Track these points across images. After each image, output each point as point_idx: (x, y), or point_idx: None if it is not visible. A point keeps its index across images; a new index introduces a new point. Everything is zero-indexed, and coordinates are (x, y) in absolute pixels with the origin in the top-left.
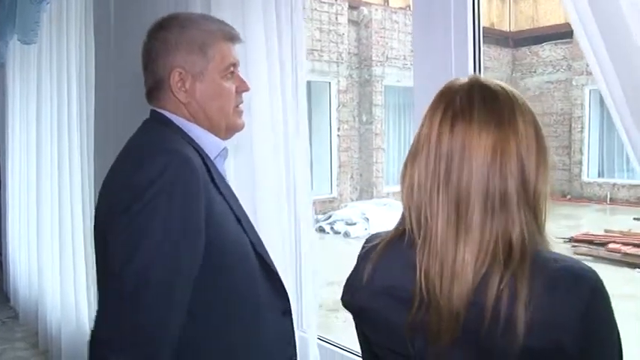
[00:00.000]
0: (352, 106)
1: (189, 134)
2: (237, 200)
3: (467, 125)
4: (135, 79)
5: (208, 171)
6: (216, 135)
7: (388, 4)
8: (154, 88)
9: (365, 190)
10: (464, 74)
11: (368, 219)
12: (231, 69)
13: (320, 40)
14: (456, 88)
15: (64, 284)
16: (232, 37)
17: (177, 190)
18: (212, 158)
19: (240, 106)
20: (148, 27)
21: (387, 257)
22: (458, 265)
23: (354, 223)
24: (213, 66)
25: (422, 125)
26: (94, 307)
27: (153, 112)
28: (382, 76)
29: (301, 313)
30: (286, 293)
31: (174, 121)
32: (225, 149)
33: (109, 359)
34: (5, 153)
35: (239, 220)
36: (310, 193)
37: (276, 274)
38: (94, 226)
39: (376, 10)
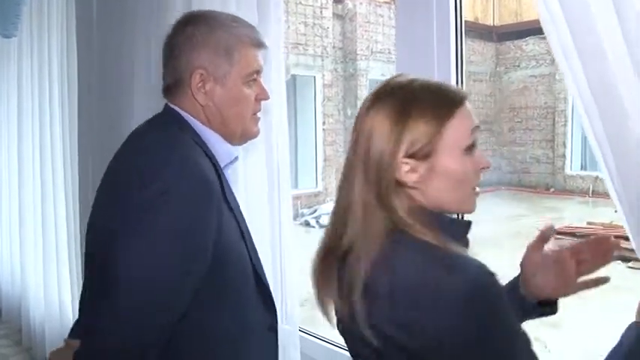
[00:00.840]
0: (337, 99)
1: (204, 139)
2: (242, 213)
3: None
4: (119, 75)
5: (220, 183)
6: (229, 141)
7: None
8: (173, 86)
9: None
10: (446, 68)
11: None
12: (254, 76)
13: (305, 34)
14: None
15: (47, 280)
16: (259, 43)
17: (188, 204)
18: (222, 166)
19: (258, 114)
20: (131, 22)
21: None
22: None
23: None
24: (236, 71)
25: None
26: (77, 303)
27: (168, 108)
28: (367, 69)
29: (284, 307)
30: (275, 309)
31: (189, 122)
32: (236, 158)
33: (100, 347)
34: None
35: (243, 236)
36: (290, 188)
37: (269, 290)
38: (91, 219)
39: (361, 3)
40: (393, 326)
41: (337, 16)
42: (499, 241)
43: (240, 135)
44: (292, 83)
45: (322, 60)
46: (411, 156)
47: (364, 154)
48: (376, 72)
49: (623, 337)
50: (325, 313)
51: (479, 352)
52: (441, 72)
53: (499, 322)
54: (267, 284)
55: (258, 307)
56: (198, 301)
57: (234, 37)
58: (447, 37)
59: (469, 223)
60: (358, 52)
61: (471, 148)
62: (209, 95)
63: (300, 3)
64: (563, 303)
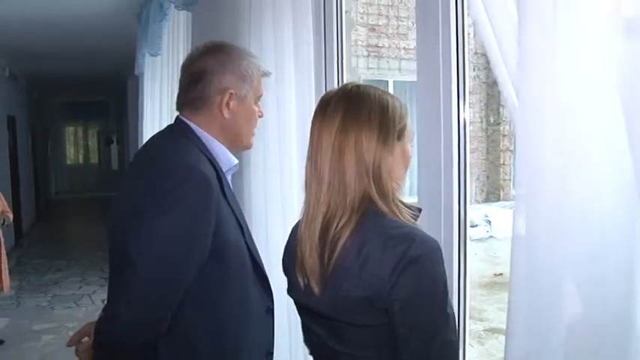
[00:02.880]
0: (479, 107)
1: (208, 147)
2: (241, 210)
3: (320, 121)
4: None
5: (220, 184)
6: (232, 149)
7: None
8: (196, 102)
9: (492, 193)
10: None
11: (490, 221)
12: (260, 98)
13: None
14: (324, 98)
15: None
16: (266, 73)
17: (192, 200)
18: (224, 171)
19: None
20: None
21: (296, 226)
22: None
23: (475, 225)
24: (252, 94)
25: None
26: None
27: (179, 120)
28: None
29: None
30: (272, 294)
31: (197, 133)
32: (236, 165)
33: (114, 339)
34: None
35: (241, 228)
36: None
37: (266, 276)
38: (113, 223)
39: None
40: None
41: None
42: None
43: (245, 145)
44: None
45: None
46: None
47: (357, 140)
48: None
49: None
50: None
51: (411, 314)
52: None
53: (434, 285)
54: (264, 270)
55: (256, 290)
56: (204, 284)
57: (253, 65)
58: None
59: (419, 209)
60: None
61: None
62: (232, 111)
63: None
64: None
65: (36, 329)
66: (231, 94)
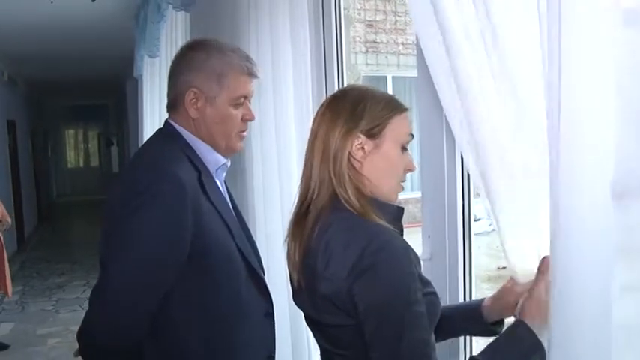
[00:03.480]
0: None
1: (193, 148)
2: (229, 209)
3: (314, 117)
4: None
5: (201, 184)
6: (216, 151)
7: None
8: (173, 102)
9: None
10: None
11: None
12: (242, 99)
13: None
14: None
15: None
16: (250, 72)
17: (163, 203)
18: (213, 171)
19: (244, 132)
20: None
21: None
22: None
23: (478, 219)
24: (225, 94)
25: None
26: None
27: (166, 123)
28: None
29: None
30: (270, 296)
31: (182, 135)
32: (224, 164)
33: (93, 344)
34: None
35: (228, 228)
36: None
37: (262, 278)
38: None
39: None
40: (319, 276)
41: None
42: None
43: (225, 149)
44: None
45: None
46: (365, 133)
47: (326, 132)
48: None
49: (516, 333)
50: (288, 257)
51: (376, 315)
52: None
53: (395, 287)
54: (260, 274)
55: (251, 293)
56: (190, 284)
57: (227, 64)
58: None
59: (401, 209)
60: None
61: (405, 148)
62: (200, 111)
63: None
64: None
65: (41, 333)
66: (194, 92)
